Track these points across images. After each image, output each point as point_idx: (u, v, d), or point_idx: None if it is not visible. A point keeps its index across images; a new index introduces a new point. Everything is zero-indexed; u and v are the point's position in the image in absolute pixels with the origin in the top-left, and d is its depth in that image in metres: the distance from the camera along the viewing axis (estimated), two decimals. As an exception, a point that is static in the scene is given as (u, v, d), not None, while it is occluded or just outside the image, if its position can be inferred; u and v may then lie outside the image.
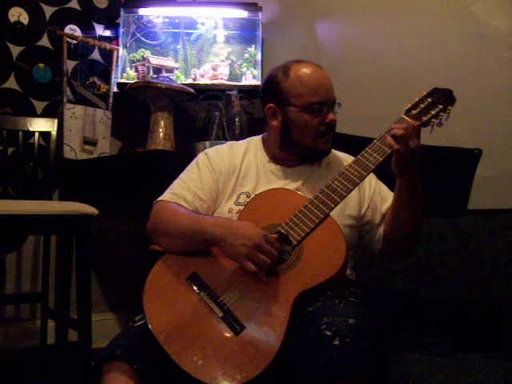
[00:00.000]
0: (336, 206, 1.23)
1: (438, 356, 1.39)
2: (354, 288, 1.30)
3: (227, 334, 1.10)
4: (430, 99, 1.29)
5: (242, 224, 1.22)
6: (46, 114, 2.41)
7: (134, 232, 2.57)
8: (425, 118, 1.26)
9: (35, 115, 2.38)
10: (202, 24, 2.58)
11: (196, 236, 1.24)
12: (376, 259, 1.73)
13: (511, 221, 1.72)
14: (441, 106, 1.27)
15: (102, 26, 2.63)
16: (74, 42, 2.48)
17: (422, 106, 1.28)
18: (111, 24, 2.65)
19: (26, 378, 2.04)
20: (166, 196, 1.37)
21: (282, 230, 1.22)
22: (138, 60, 2.54)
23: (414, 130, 1.21)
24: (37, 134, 2.24)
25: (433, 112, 1.27)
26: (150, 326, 1.13)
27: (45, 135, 2.31)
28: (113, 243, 2.62)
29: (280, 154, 1.42)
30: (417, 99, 1.29)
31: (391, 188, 1.40)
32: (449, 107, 1.28)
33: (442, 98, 1.28)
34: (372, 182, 1.43)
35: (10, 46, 2.35)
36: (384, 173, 1.33)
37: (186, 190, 1.36)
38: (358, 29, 2.43)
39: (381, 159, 1.24)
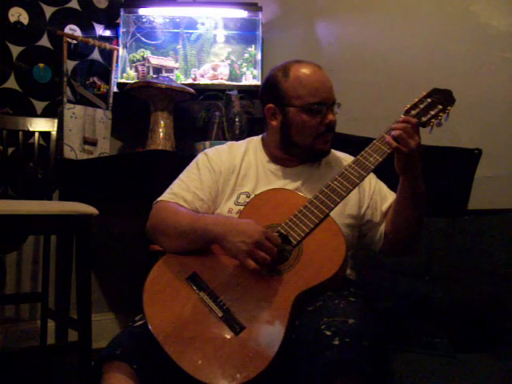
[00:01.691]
0: (336, 206, 1.23)
1: (438, 356, 1.39)
2: (353, 288, 1.30)
3: (227, 334, 1.10)
4: (429, 99, 1.29)
5: (241, 221, 1.22)
6: (46, 114, 2.41)
7: (134, 232, 2.56)
8: (424, 119, 1.26)
9: (35, 115, 2.38)
10: (202, 24, 2.59)
11: (196, 234, 1.24)
12: (376, 259, 1.73)
13: (511, 221, 1.72)
14: (440, 107, 1.27)
15: (101, 26, 2.63)
16: (74, 42, 2.48)
17: (422, 106, 1.28)
18: (111, 24, 2.65)
19: (26, 378, 2.04)
20: (166, 196, 1.37)
21: (282, 230, 1.22)
22: (138, 60, 2.54)
23: (412, 128, 1.22)
24: (37, 134, 2.24)
25: (432, 112, 1.27)
26: (149, 325, 1.13)
27: (45, 135, 2.31)
28: (113, 243, 2.62)
29: (280, 154, 1.42)
30: (416, 100, 1.29)
31: (392, 187, 1.40)
32: (448, 108, 1.28)
33: (442, 98, 1.28)
34: (372, 182, 1.43)
35: (10, 46, 2.35)
36: (385, 172, 1.33)
37: (185, 191, 1.36)
38: (358, 29, 2.43)
39: (380, 159, 1.24)
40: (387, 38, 2.33)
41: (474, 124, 2.06)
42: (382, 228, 1.38)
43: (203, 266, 1.23)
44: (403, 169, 1.25)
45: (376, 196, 1.41)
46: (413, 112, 1.27)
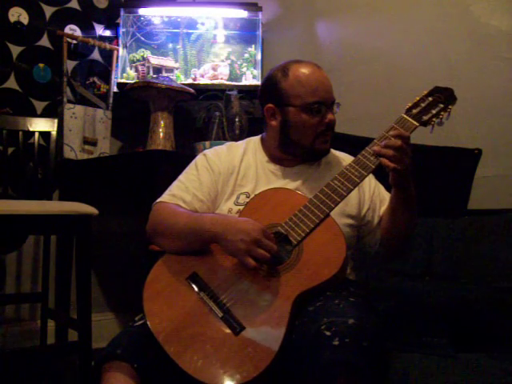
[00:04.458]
0: (336, 205, 1.23)
1: (438, 356, 1.39)
2: (353, 288, 1.30)
3: (227, 334, 1.10)
4: (430, 98, 1.28)
5: (240, 220, 1.22)
6: (46, 114, 2.41)
7: (134, 232, 2.56)
8: (425, 118, 1.26)
9: (35, 115, 2.38)
10: (202, 24, 2.59)
11: (195, 235, 1.24)
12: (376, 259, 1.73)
13: (511, 221, 1.72)
14: (442, 105, 1.27)
15: (102, 26, 2.63)
16: (74, 42, 2.48)
17: (423, 105, 1.27)
18: (111, 24, 2.64)
19: (26, 378, 2.04)
20: (165, 197, 1.37)
21: (282, 230, 1.22)
22: (138, 60, 2.54)
23: (406, 144, 1.20)
24: (37, 134, 2.24)
25: (433, 111, 1.26)
26: (149, 325, 1.13)
27: (45, 135, 2.31)
28: (113, 243, 2.62)
29: (279, 153, 1.42)
30: (417, 98, 1.29)
31: (388, 188, 1.40)
32: (450, 106, 1.27)
33: (443, 97, 1.28)
34: (371, 183, 1.43)
35: (10, 46, 2.35)
36: (382, 172, 1.33)
37: (184, 192, 1.36)
38: (357, 29, 2.43)
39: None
40: (387, 38, 2.33)
41: (474, 124, 2.06)
42: (379, 232, 1.38)
43: (203, 266, 1.23)
44: (397, 184, 1.26)
45: (376, 198, 1.41)
46: (414, 111, 1.27)
